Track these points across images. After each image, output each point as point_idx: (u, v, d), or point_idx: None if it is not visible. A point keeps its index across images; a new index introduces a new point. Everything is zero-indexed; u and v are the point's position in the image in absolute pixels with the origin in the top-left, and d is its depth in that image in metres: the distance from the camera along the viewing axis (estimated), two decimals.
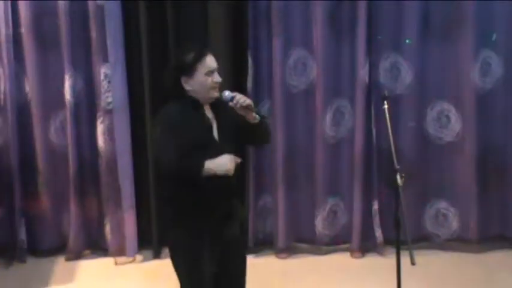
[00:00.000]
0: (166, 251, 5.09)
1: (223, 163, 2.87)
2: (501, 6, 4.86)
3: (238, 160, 2.94)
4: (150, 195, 5.04)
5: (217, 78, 2.98)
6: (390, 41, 4.95)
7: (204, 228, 3.00)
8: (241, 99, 2.92)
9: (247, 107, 2.92)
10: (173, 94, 3.00)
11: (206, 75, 2.96)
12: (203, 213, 2.98)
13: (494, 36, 4.91)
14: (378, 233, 5.00)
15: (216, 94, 2.99)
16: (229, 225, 3.05)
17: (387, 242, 4.97)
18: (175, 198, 2.99)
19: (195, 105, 2.99)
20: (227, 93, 2.96)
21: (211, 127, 2.99)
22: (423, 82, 4.98)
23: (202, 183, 2.91)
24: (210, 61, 2.98)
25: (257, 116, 2.98)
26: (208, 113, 3.01)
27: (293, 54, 4.97)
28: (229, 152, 2.92)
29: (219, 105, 3.01)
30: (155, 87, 4.95)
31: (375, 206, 5.00)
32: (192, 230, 3.00)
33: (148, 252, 5.10)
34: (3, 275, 4.84)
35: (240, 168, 3.11)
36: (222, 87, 3.01)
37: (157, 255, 5.08)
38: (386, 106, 3.39)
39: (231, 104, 2.94)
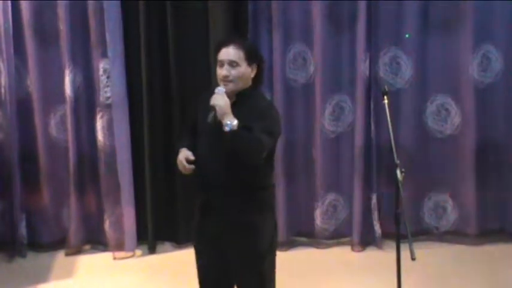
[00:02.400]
0: (161, 246, 5.13)
1: (178, 159, 2.99)
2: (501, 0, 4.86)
3: (187, 166, 2.92)
4: (147, 190, 5.05)
5: (223, 71, 2.95)
6: (390, 35, 4.95)
7: (199, 220, 3.08)
8: (213, 96, 2.89)
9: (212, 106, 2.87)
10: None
11: (218, 66, 2.97)
12: (199, 208, 3.07)
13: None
14: (377, 227, 5.01)
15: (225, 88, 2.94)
16: (221, 227, 2.98)
17: (386, 236, 4.98)
18: None
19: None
20: (217, 90, 2.92)
21: (214, 115, 2.90)
22: (423, 76, 4.98)
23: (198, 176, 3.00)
24: (223, 53, 2.96)
25: (227, 124, 2.80)
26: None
27: (293, 48, 4.97)
28: (219, 142, 2.88)
29: (244, 101, 2.95)
30: (154, 82, 4.96)
31: (374, 200, 5.02)
32: (195, 218, 3.10)
33: (145, 247, 5.11)
34: (3, 269, 4.84)
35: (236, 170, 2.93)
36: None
37: (152, 251, 5.09)
38: (386, 101, 3.39)
39: None
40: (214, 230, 3.00)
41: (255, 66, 3.02)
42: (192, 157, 2.95)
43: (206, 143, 2.98)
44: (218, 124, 2.85)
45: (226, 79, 2.94)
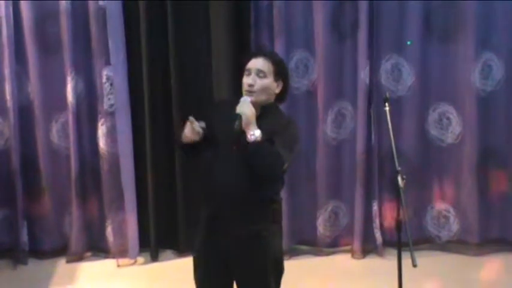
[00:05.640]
0: (163, 253, 5.12)
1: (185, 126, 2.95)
2: (502, 7, 4.87)
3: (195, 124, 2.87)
4: (149, 197, 5.04)
5: (248, 79, 2.93)
6: (392, 43, 4.96)
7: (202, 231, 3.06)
8: (240, 104, 2.87)
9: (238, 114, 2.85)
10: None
11: (245, 75, 2.96)
12: (206, 218, 3.04)
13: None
14: (377, 235, 5.01)
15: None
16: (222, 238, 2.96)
17: (387, 243, 4.98)
18: None
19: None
20: (242, 99, 2.90)
21: (240, 123, 2.86)
22: (425, 84, 4.98)
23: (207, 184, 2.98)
24: (252, 62, 2.95)
25: (251, 134, 2.79)
26: None
27: (295, 55, 4.98)
28: (232, 153, 2.87)
29: (268, 115, 2.94)
30: (155, 88, 4.97)
31: (374, 207, 5.01)
32: (200, 229, 3.08)
33: (147, 255, 5.11)
34: (5, 276, 4.84)
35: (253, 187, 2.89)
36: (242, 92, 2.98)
37: (155, 258, 5.09)
38: (387, 108, 3.40)
39: None
40: (221, 241, 2.97)
41: (280, 83, 3.00)
42: (202, 124, 2.91)
43: (219, 153, 2.95)
44: (238, 133, 2.83)
45: (250, 88, 2.92)
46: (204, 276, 3.08)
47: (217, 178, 2.94)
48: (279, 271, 3.05)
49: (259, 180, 2.87)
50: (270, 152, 2.81)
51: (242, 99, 2.90)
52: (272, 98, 3.01)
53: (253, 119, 2.83)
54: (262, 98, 2.95)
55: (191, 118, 2.90)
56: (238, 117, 2.83)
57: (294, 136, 2.98)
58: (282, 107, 4.88)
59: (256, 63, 2.95)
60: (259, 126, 2.83)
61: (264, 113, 2.95)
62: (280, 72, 2.99)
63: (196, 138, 2.91)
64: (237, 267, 3.00)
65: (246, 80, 2.95)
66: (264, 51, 3.09)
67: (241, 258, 2.97)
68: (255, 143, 2.79)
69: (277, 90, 3.00)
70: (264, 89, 2.94)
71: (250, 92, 2.93)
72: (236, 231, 2.93)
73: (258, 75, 2.93)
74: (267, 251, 2.97)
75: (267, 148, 2.81)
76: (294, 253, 5.08)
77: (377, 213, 5.01)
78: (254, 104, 2.91)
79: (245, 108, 2.84)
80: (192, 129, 2.90)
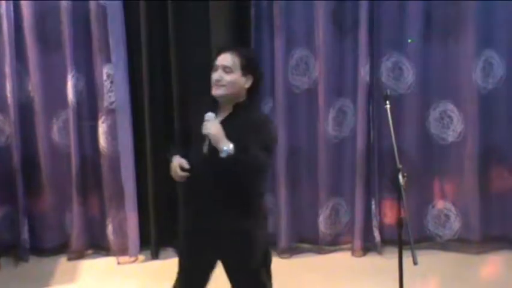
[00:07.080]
0: (164, 251, 5.12)
1: (172, 166, 3.01)
2: (503, 5, 4.86)
3: (182, 174, 2.95)
4: (149, 195, 5.05)
5: (215, 75, 2.94)
6: (392, 41, 4.95)
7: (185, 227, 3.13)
8: (204, 125, 2.86)
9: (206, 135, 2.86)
10: None
11: (213, 71, 2.97)
12: (190, 216, 3.09)
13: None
14: (376, 233, 5.01)
15: (214, 92, 2.94)
16: (206, 236, 2.99)
17: (386, 242, 4.98)
18: None
19: (212, 102, 2.99)
20: (206, 116, 2.88)
21: (209, 143, 2.87)
22: (426, 82, 4.97)
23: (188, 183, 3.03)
24: (220, 58, 2.96)
25: (224, 149, 2.76)
26: (222, 115, 2.94)
27: (295, 53, 4.97)
28: (208, 156, 2.87)
29: (240, 112, 2.95)
30: (156, 86, 4.96)
31: (373, 206, 5.01)
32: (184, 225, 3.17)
33: (148, 252, 5.11)
34: (6, 274, 4.84)
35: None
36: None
37: (155, 256, 5.09)
38: (388, 105, 3.39)
39: None
40: (205, 238, 2.99)
41: (250, 77, 2.98)
42: (186, 165, 2.95)
43: (199, 153, 2.94)
44: (214, 150, 2.83)
45: (217, 83, 2.93)
46: (188, 272, 3.20)
47: (196, 177, 2.95)
48: (268, 262, 3.09)
49: (240, 182, 2.89)
50: (247, 160, 2.80)
51: (206, 116, 2.87)
52: (243, 94, 2.99)
53: (221, 135, 2.81)
54: (230, 92, 2.94)
55: (179, 170, 2.97)
56: (206, 139, 2.85)
57: (271, 135, 2.99)
58: (283, 105, 4.95)
59: (223, 58, 2.96)
60: (231, 125, 2.85)
61: (236, 111, 2.95)
62: (248, 66, 2.97)
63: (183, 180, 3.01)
64: (226, 265, 3.03)
65: (213, 76, 2.96)
66: (232, 47, 3.06)
67: (229, 256, 2.99)
68: (230, 157, 2.77)
69: (247, 85, 2.98)
70: (232, 84, 2.93)
71: (218, 86, 2.93)
72: (219, 229, 2.94)
73: (224, 71, 2.94)
74: (253, 247, 2.99)
75: (244, 158, 2.80)
76: (295, 251, 5.08)
77: (375, 212, 5.00)
78: (224, 100, 2.93)
79: (210, 128, 2.83)
80: (180, 177, 2.98)
